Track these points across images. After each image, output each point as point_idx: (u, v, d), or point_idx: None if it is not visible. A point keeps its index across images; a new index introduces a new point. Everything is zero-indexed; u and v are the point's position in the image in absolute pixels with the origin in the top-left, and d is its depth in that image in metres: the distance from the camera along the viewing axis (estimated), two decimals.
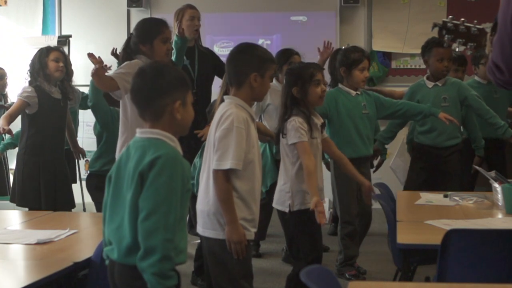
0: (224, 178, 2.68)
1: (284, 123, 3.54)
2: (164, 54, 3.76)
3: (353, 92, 4.47)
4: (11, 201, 4.77)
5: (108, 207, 2.20)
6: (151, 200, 2.05)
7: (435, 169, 4.81)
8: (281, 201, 3.58)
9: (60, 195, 4.71)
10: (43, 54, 4.70)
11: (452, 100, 4.73)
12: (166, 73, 2.21)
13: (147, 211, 2.04)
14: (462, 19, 2.56)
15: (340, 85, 4.49)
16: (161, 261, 2.01)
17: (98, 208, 4.79)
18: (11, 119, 4.60)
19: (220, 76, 4.77)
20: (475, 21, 2.56)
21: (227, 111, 2.75)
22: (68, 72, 4.79)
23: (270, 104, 4.84)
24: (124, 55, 3.83)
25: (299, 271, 3.55)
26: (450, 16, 2.59)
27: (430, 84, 4.80)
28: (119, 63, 3.93)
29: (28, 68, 4.75)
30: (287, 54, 4.92)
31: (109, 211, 2.19)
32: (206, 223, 2.75)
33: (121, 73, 3.62)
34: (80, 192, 5.99)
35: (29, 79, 4.73)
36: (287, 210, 3.53)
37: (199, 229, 2.82)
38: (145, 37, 3.75)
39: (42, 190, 4.61)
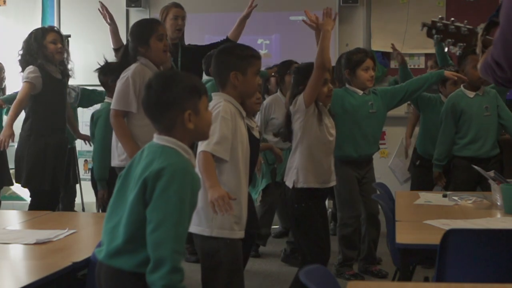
0: (205, 156, 2.66)
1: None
2: (161, 51, 3.75)
3: (360, 92, 4.45)
4: (17, 181, 4.75)
5: (111, 205, 2.16)
6: (160, 211, 1.99)
7: (479, 181, 4.58)
8: (288, 177, 3.63)
9: (62, 174, 4.71)
10: (38, 35, 4.60)
11: (492, 109, 4.69)
12: (172, 84, 2.14)
13: (156, 222, 1.98)
14: (452, 19, 2.54)
15: (347, 85, 4.48)
16: (170, 273, 1.96)
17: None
18: (21, 106, 4.54)
19: None
20: (466, 21, 2.54)
21: (216, 105, 2.78)
22: (67, 52, 4.76)
23: (274, 118, 4.84)
24: (123, 61, 3.83)
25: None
26: (440, 16, 2.57)
27: (471, 94, 4.68)
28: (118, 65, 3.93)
29: (21, 50, 4.62)
30: (287, 64, 4.96)
31: (110, 210, 2.15)
32: (193, 218, 2.74)
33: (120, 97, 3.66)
34: (79, 192, 6.01)
35: (19, 57, 4.61)
36: (291, 185, 3.56)
37: None
38: (140, 38, 3.75)
39: (47, 170, 4.57)
